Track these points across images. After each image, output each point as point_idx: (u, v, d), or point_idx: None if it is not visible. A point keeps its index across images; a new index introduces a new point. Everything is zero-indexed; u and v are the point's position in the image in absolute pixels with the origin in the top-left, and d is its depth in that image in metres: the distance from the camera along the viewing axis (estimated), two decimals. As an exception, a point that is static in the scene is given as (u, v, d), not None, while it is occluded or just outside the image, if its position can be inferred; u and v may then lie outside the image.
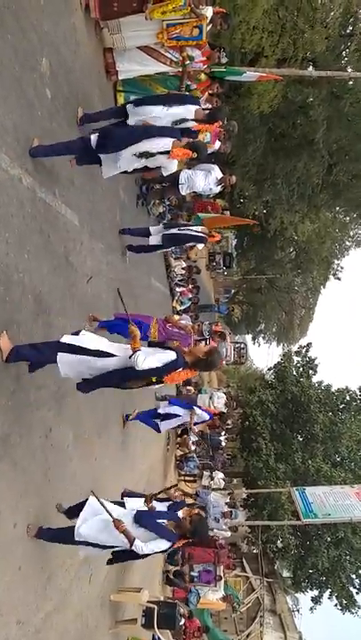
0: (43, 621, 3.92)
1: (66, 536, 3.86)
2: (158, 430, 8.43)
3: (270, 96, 15.23)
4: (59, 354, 3.59)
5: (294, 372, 23.66)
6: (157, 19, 5.92)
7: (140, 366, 3.57)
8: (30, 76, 4.13)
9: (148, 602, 6.79)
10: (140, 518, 3.95)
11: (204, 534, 4.28)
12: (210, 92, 7.93)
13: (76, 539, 3.82)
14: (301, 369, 23.71)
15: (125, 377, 3.74)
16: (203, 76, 7.49)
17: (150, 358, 3.63)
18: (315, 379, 23.68)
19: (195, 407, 9.53)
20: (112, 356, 3.68)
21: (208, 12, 6.23)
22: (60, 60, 4.89)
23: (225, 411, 15.60)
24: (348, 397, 23.03)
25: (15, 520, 3.50)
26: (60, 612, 4.34)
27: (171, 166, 4.96)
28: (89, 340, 3.70)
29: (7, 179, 3.62)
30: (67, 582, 4.54)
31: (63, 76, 4.96)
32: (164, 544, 3.98)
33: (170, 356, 3.76)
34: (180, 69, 6.69)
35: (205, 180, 8.05)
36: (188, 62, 6.51)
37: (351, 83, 16.00)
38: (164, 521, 4.09)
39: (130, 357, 3.58)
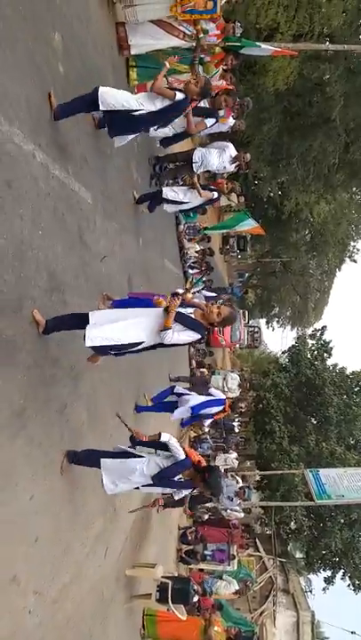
0: (59, 592, 4.00)
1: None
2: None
3: (286, 73, 14.91)
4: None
5: (309, 356, 23.54)
6: (171, -9, 5.80)
7: (166, 343, 4.01)
8: (43, 51, 4.08)
9: (162, 577, 6.90)
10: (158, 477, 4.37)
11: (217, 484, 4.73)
12: (224, 66, 7.75)
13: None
14: (316, 352, 23.58)
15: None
16: (217, 49, 7.33)
17: (178, 335, 4.01)
18: (329, 362, 23.59)
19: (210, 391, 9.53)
20: (140, 344, 4.04)
21: (223, -17, 6.08)
22: (72, 34, 4.83)
23: (238, 394, 15.62)
24: (362, 380, 22.90)
25: (32, 493, 3.55)
26: (77, 584, 4.43)
27: None
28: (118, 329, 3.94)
29: (21, 154, 3.59)
30: (83, 555, 4.62)
31: (76, 51, 4.90)
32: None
33: (196, 335, 4.19)
34: (194, 43, 6.56)
35: (220, 157, 7.94)
36: (202, 35, 6.38)
37: (368, 58, 15.61)
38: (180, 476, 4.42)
39: (160, 332, 3.96)
